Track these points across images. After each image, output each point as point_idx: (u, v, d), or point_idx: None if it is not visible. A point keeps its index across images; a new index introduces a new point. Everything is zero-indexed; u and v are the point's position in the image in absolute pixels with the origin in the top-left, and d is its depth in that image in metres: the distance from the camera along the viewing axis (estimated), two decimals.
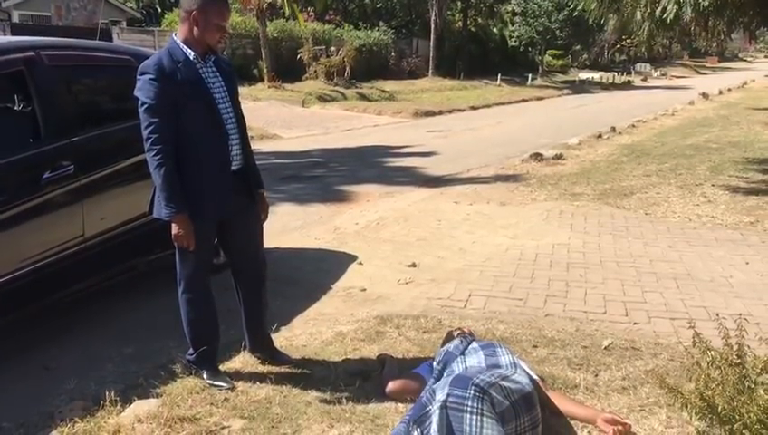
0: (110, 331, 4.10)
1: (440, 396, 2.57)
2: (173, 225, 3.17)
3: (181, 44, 3.18)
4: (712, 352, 2.53)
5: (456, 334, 3.35)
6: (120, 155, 4.17)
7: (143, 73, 3.12)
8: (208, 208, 3.25)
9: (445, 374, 2.90)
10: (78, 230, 3.85)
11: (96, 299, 4.29)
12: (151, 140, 3.08)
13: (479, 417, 2.48)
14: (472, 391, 2.54)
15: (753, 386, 2.41)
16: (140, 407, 3.07)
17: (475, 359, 3.02)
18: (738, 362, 2.46)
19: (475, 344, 3.19)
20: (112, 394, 3.10)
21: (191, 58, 3.16)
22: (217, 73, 3.26)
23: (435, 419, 2.50)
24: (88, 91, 4.36)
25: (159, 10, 32.49)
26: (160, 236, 4.55)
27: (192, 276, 3.38)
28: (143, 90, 3.10)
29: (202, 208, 3.22)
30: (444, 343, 3.34)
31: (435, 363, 3.12)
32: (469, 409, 2.50)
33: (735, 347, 2.52)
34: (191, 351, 3.45)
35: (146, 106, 3.08)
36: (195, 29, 3.16)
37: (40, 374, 3.58)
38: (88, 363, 3.65)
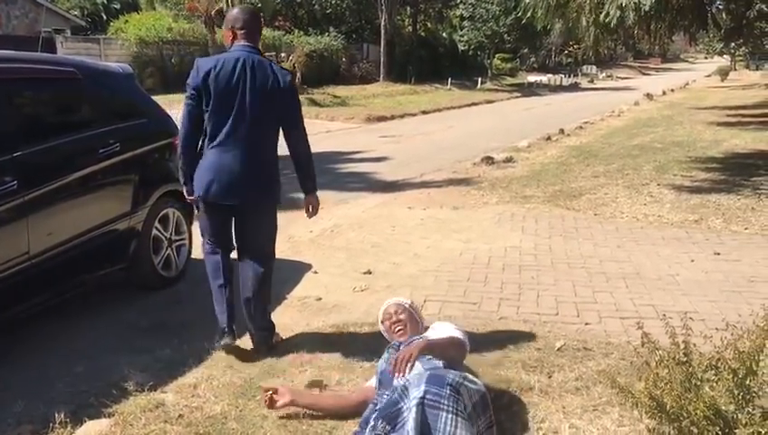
0: (59, 349, 3.98)
1: (416, 393, 2.53)
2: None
3: None
4: (660, 352, 2.59)
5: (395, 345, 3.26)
6: (66, 169, 4.07)
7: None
8: None
9: (384, 392, 2.87)
10: (23, 247, 3.73)
11: (43, 317, 4.17)
12: None
13: (454, 416, 2.49)
14: (448, 390, 2.54)
15: (699, 383, 2.47)
16: (92, 428, 2.99)
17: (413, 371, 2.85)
18: (685, 360, 2.53)
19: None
20: (62, 416, 3.01)
21: None
22: None
23: (411, 416, 2.47)
24: (31, 105, 4.22)
25: (105, 18, 31.83)
26: (110, 250, 4.50)
27: None
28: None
29: None
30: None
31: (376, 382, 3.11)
32: (445, 407, 2.50)
33: (682, 346, 2.58)
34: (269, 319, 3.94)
35: None
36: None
37: None
38: (36, 384, 3.53)
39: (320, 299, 4.81)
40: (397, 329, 3.31)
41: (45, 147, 3.98)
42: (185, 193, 3.87)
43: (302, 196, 4.13)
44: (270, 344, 3.88)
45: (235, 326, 3.83)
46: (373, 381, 3.14)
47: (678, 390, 2.40)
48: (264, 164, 3.76)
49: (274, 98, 3.67)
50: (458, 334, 3.14)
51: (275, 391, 3.10)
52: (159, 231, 4.92)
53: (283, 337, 4.05)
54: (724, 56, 50.40)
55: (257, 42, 3.77)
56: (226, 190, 3.69)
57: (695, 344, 2.63)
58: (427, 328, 3.42)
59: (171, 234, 5.02)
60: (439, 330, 3.25)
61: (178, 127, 3.80)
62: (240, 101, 3.61)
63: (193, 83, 3.61)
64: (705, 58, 65.69)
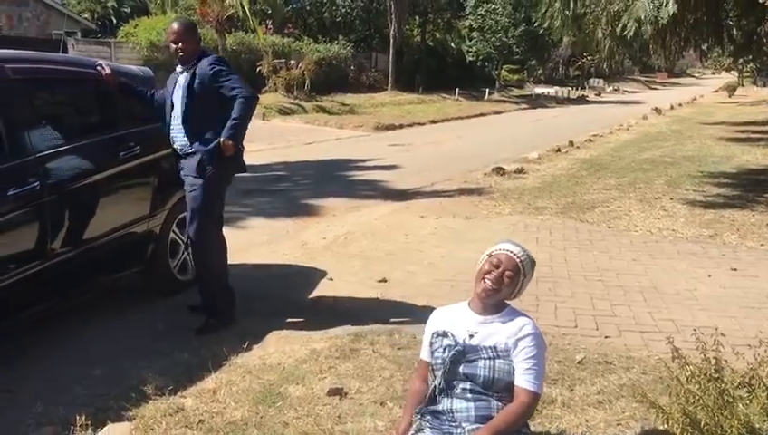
0: (77, 352, 3.95)
1: None
2: None
3: None
4: (691, 367, 2.57)
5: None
6: (87, 171, 4.06)
7: None
8: None
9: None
10: (43, 248, 3.72)
11: (60, 319, 4.15)
12: None
13: None
14: None
15: (731, 400, 2.45)
16: (113, 431, 2.98)
17: (462, 403, 2.49)
18: (717, 376, 2.50)
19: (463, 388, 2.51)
20: (83, 418, 2.99)
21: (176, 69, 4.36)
22: (185, 78, 4.22)
23: None
24: (53, 106, 4.23)
25: (115, 21, 31.97)
26: (128, 253, 4.49)
27: None
28: None
29: None
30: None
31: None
32: None
33: (713, 362, 2.56)
34: None
35: None
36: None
37: (3, 399, 3.42)
38: (55, 386, 3.51)
39: (336, 306, 4.78)
40: (488, 287, 2.54)
41: (67, 148, 3.97)
42: (229, 150, 4.19)
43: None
44: None
45: None
46: (425, 355, 2.71)
47: (712, 406, 2.38)
48: None
49: None
50: (531, 384, 2.44)
51: None
52: (177, 235, 4.91)
53: (300, 344, 4.04)
54: (732, 72, 50.37)
55: None
56: None
57: (726, 360, 2.61)
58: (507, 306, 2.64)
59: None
60: (520, 351, 2.49)
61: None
62: None
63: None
64: (713, 73, 65.69)
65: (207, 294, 4.40)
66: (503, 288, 2.55)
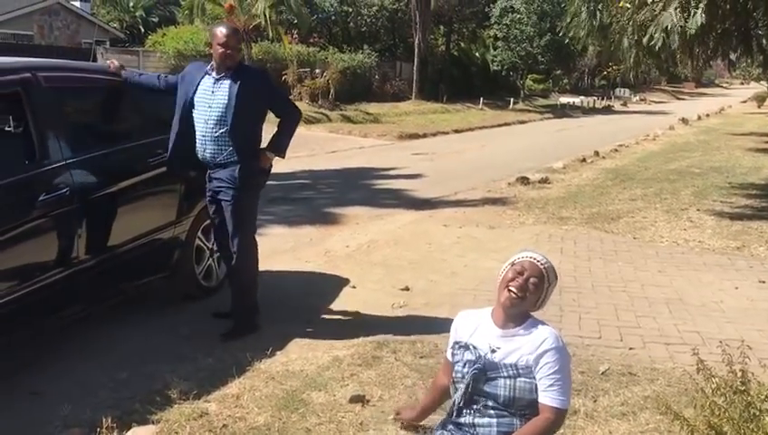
0: (102, 356, 4.02)
1: None
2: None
3: (211, 63, 4.27)
4: (716, 379, 2.54)
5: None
6: (116, 177, 4.13)
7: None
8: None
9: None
10: (71, 254, 3.78)
11: (87, 323, 4.21)
12: None
13: None
14: None
15: (757, 413, 2.42)
16: (138, 434, 3.02)
17: (485, 419, 2.49)
18: (743, 389, 2.47)
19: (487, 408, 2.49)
20: (108, 421, 3.03)
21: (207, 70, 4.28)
22: (228, 86, 4.15)
23: None
24: (84, 113, 4.31)
25: (143, 30, 32.46)
26: (154, 258, 4.55)
27: None
28: None
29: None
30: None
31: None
32: None
33: (739, 374, 2.53)
34: None
35: None
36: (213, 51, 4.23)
37: (29, 401, 3.48)
38: (80, 389, 3.56)
39: (359, 314, 4.80)
40: (513, 295, 2.47)
41: (97, 155, 4.03)
42: (268, 162, 4.50)
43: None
44: None
45: None
46: (449, 356, 2.70)
47: (737, 419, 2.35)
48: None
49: None
50: (555, 400, 2.41)
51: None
52: (202, 241, 4.95)
53: (323, 351, 4.06)
54: (761, 82, 49.63)
55: None
56: None
57: (752, 373, 2.58)
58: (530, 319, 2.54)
59: (213, 245, 5.04)
60: (542, 367, 2.43)
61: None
62: None
63: None
64: (741, 84, 64.79)
65: (240, 301, 4.43)
66: (528, 296, 2.47)
